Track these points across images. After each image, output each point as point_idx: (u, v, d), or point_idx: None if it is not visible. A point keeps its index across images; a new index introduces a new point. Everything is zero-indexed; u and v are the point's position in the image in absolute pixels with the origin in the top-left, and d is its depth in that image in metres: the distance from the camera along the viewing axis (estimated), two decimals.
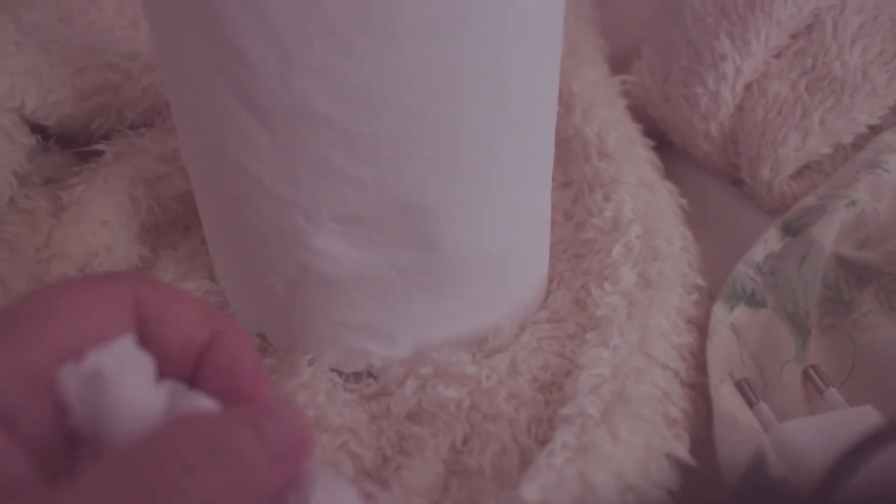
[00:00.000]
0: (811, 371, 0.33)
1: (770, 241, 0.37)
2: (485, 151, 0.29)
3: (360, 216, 0.29)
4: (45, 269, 0.35)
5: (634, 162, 0.41)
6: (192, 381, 0.24)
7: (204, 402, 0.22)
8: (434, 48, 0.26)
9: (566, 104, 0.44)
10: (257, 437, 0.21)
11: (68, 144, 0.40)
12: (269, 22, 0.25)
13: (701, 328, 0.34)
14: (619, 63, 0.50)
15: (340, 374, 0.35)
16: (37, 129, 0.38)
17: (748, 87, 0.44)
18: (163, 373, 0.23)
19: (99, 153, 0.39)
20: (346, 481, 0.24)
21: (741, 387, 0.32)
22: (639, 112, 0.48)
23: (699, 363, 0.32)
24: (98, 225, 0.36)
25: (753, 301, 0.35)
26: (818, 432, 0.29)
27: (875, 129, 0.41)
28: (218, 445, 0.20)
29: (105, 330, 0.21)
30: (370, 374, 0.35)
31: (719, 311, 0.34)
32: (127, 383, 0.21)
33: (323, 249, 0.30)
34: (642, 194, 0.39)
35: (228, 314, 0.36)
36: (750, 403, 0.31)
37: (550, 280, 0.38)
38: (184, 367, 0.23)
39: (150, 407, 0.21)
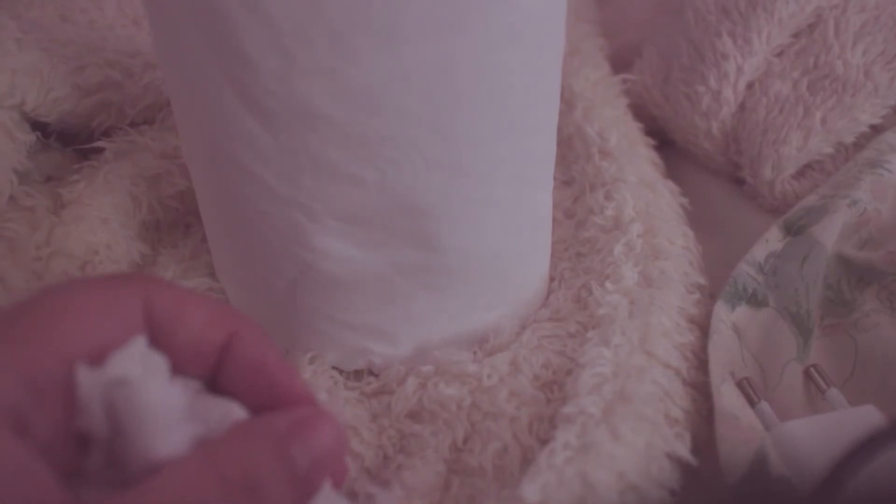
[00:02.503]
0: (813, 371, 0.33)
1: (771, 240, 0.37)
2: (486, 152, 0.29)
3: (362, 216, 0.29)
4: (45, 266, 0.35)
5: (636, 161, 0.41)
6: (213, 381, 0.24)
7: (230, 409, 0.23)
8: (435, 49, 0.26)
9: (567, 103, 0.44)
10: (283, 467, 0.21)
11: (69, 142, 0.40)
12: (270, 22, 0.25)
13: (702, 327, 0.34)
14: (620, 62, 0.50)
15: (341, 371, 0.35)
16: (37, 126, 0.38)
17: (750, 85, 0.44)
18: (177, 373, 0.23)
19: (99, 151, 0.39)
20: (343, 496, 0.25)
21: (743, 386, 0.32)
22: (640, 111, 0.48)
23: (701, 362, 0.32)
24: (98, 223, 0.36)
25: (755, 300, 0.35)
26: (820, 432, 0.29)
27: (877, 129, 0.41)
28: (243, 490, 0.20)
29: (115, 333, 0.21)
30: (371, 373, 0.35)
31: (721, 310, 0.34)
32: (151, 387, 0.21)
33: (324, 248, 0.30)
34: (643, 193, 0.39)
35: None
36: (751, 403, 0.31)
37: (551, 279, 0.38)
38: (199, 368, 0.23)
39: (172, 407, 0.21)
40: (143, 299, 0.22)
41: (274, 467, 0.21)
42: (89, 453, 0.21)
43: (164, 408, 0.21)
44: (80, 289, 0.22)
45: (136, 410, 0.21)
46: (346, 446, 0.24)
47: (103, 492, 0.21)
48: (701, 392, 0.32)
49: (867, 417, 0.29)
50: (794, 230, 0.37)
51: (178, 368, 0.23)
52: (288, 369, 0.24)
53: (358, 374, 0.35)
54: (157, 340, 0.22)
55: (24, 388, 0.20)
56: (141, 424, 0.21)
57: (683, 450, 0.28)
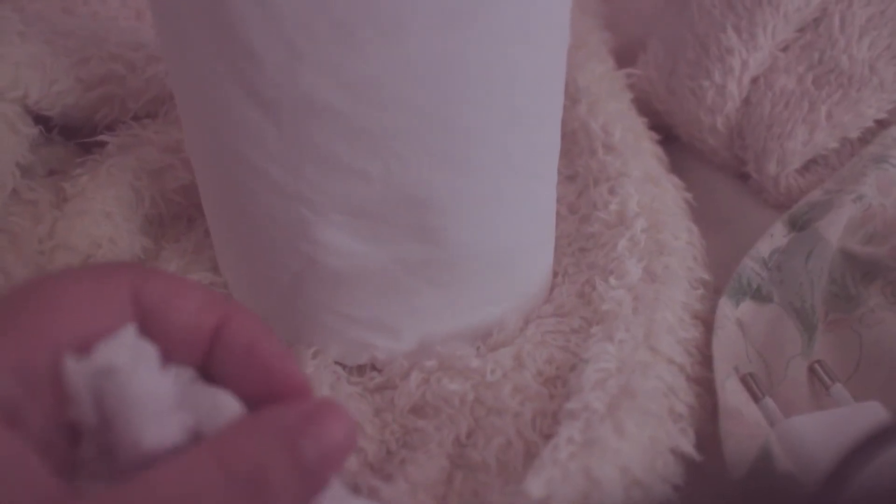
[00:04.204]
0: (817, 366, 0.33)
1: (776, 235, 0.36)
2: (491, 146, 0.29)
3: (366, 209, 0.29)
4: (48, 260, 0.35)
5: (640, 156, 0.41)
6: (205, 368, 0.23)
7: (222, 398, 0.22)
8: (441, 42, 0.26)
9: (572, 97, 0.44)
10: (290, 460, 0.21)
11: (71, 135, 0.40)
12: (276, 14, 0.24)
13: (707, 323, 0.34)
14: (624, 56, 0.50)
15: (344, 366, 0.35)
16: (40, 119, 0.38)
17: (755, 80, 0.44)
18: (168, 361, 0.22)
19: (102, 144, 0.39)
20: (353, 493, 0.24)
21: (747, 382, 0.32)
22: (644, 105, 0.48)
23: (705, 358, 0.32)
24: (101, 216, 0.36)
25: (759, 296, 0.35)
26: (824, 428, 0.29)
27: (882, 124, 0.40)
28: (248, 484, 0.20)
29: (105, 322, 0.21)
30: (374, 368, 0.35)
31: (725, 305, 0.34)
32: (140, 376, 0.21)
33: (328, 242, 0.30)
34: (648, 188, 0.39)
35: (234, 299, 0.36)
36: (756, 398, 0.31)
37: (555, 274, 0.38)
38: (191, 355, 0.23)
39: (162, 395, 0.21)
40: (131, 287, 0.22)
41: (281, 460, 0.21)
42: (81, 444, 0.21)
43: (153, 397, 0.21)
44: (69, 279, 0.21)
45: (125, 400, 0.20)
46: (356, 440, 0.23)
47: (97, 483, 0.21)
48: (705, 388, 0.31)
49: (872, 413, 0.29)
50: (798, 225, 0.36)
51: (170, 355, 0.22)
52: (280, 353, 0.24)
53: (361, 370, 0.35)
54: (148, 327, 0.22)
55: (15, 379, 0.19)
56: (130, 414, 0.20)
57: (688, 445, 0.28)
